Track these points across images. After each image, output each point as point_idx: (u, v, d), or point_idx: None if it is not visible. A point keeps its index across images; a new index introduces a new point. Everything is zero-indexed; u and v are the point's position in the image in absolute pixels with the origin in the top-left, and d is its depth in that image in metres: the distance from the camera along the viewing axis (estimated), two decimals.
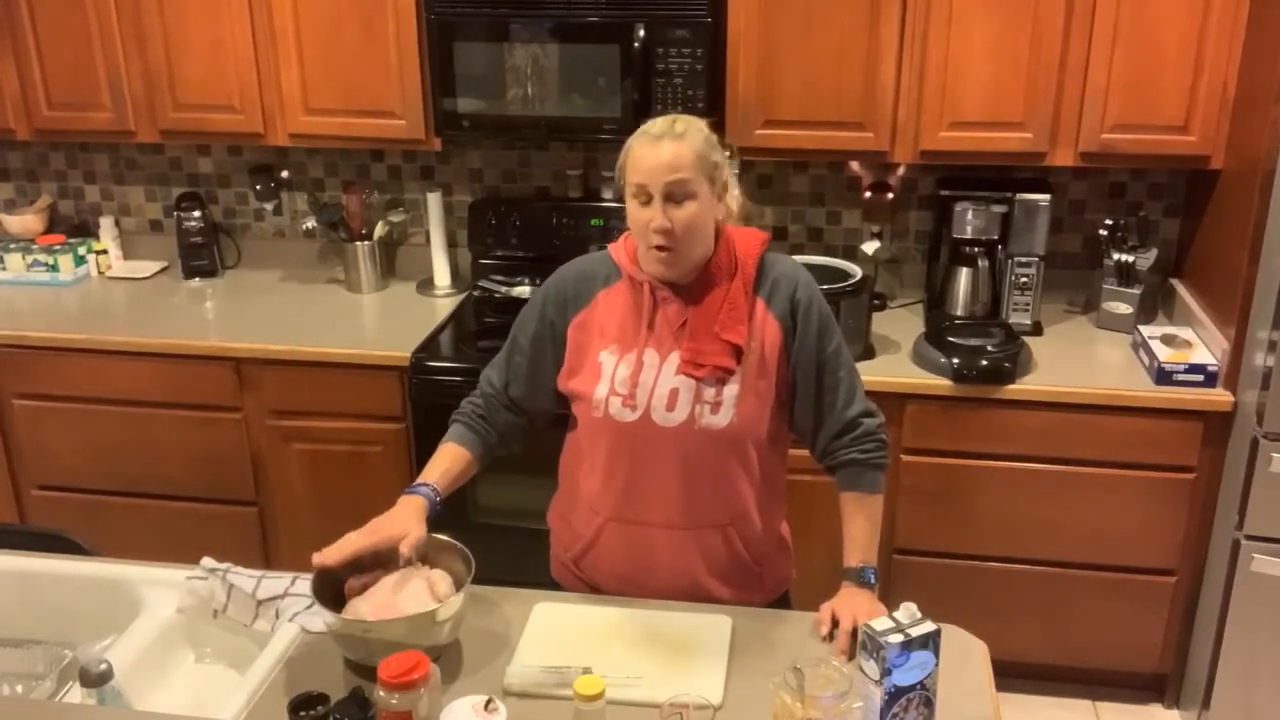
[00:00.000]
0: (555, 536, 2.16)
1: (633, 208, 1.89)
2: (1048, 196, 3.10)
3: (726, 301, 1.92)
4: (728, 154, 1.94)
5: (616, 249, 2.00)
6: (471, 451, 2.04)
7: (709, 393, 1.91)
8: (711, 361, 1.90)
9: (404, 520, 1.89)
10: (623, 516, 1.99)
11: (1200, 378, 2.81)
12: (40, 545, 2.20)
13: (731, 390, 1.91)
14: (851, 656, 1.78)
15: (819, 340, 1.96)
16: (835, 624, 1.89)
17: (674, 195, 1.84)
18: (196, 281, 3.67)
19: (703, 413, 1.91)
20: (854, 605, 1.89)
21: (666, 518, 1.97)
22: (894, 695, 1.59)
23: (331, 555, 1.83)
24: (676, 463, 1.94)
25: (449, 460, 2.02)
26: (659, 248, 1.87)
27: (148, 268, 3.75)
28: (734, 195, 1.95)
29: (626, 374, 1.93)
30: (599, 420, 1.95)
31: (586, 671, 1.72)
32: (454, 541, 1.94)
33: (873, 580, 1.95)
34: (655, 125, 1.88)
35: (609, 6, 2.94)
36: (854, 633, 1.81)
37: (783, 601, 2.12)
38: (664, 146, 1.84)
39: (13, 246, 3.66)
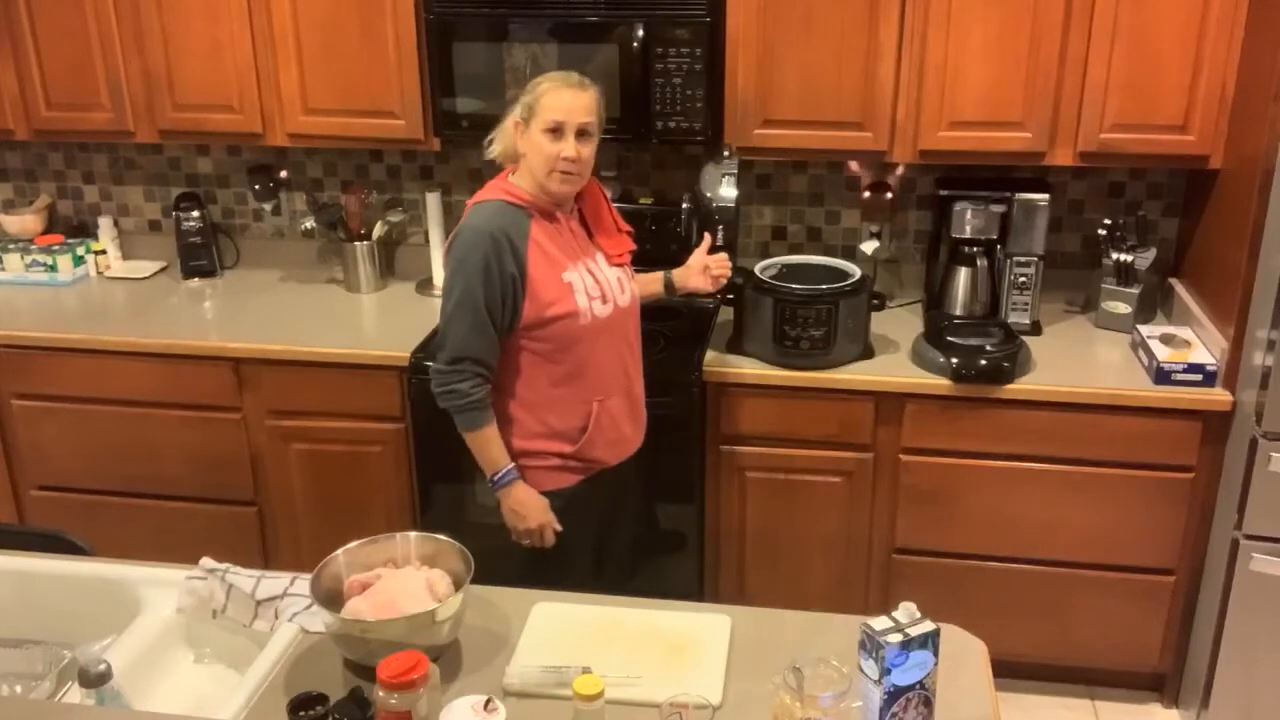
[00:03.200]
0: (532, 457, 2.43)
1: (543, 140, 2.28)
2: (1047, 196, 3.10)
3: (604, 208, 2.51)
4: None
5: (511, 194, 2.34)
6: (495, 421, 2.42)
7: (628, 273, 2.51)
8: (626, 248, 2.53)
9: (538, 501, 2.44)
10: (618, 391, 2.46)
11: (1199, 377, 2.81)
12: (39, 545, 2.20)
13: (629, 268, 2.53)
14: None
15: None
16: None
17: (584, 133, 2.30)
18: (195, 281, 3.67)
19: (630, 289, 2.49)
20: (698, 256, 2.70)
21: (637, 381, 2.53)
22: (893, 695, 1.59)
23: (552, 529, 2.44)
24: (635, 334, 2.52)
25: (499, 439, 2.40)
26: (565, 172, 2.29)
27: (146, 268, 3.75)
28: None
29: (589, 281, 2.38)
30: (585, 326, 2.36)
31: (586, 671, 1.72)
32: (453, 541, 1.94)
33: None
34: (569, 75, 2.33)
35: (608, 6, 2.94)
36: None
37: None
38: (581, 93, 2.30)
39: (11, 247, 3.66)
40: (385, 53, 3.13)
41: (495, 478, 2.39)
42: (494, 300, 2.29)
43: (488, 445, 2.37)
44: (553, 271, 2.34)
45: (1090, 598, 3.02)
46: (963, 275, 3.21)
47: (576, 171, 2.32)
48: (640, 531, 2.93)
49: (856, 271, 3.07)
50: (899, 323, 3.24)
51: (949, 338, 2.98)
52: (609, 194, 2.59)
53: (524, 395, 2.41)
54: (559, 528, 2.44)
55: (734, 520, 3.08)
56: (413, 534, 1.97)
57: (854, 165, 3.37)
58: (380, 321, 3.39)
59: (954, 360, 2.88)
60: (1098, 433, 2.86)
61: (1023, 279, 3.16)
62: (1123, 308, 3.16)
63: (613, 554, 2.67)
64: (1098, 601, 3.02)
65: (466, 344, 2.30)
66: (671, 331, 3.11)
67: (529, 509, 2.41)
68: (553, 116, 2.27)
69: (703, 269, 2.70)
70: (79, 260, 3.70)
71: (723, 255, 2.72)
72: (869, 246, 3.29)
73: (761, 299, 2.96)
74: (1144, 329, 3.02)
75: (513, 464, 2.39)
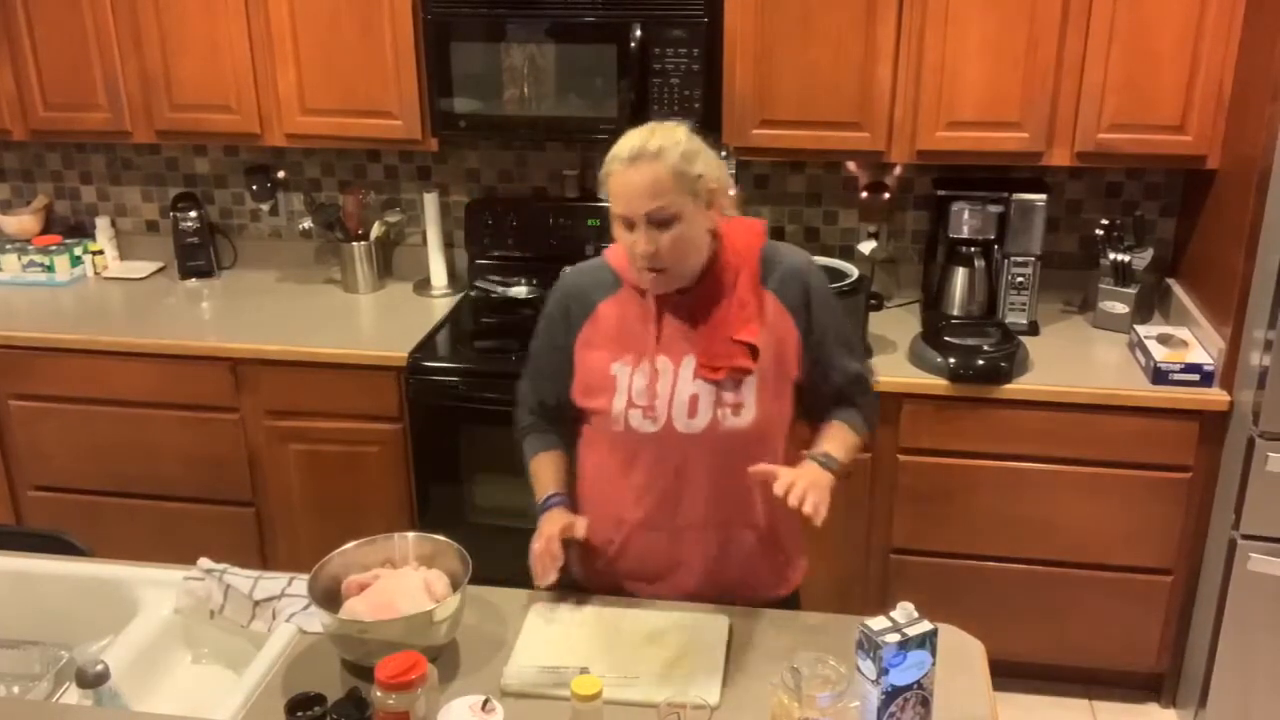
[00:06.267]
0: (577, 545, 2.06)
1: (618, 230, 1.86)
2: (1044, 196, 3.11)
3: (735, 300, 1.89)
4: (724, 153, 1.91)
5: (615, 255, 1.97)
6: (560, 451, 2.08)
7: (729, 395, 1.89)
8: (728, 364, 1.88)
9: (560, 517, 1.95)
10: (652, 524, 1.99)
11: (1196, 377, 2.81)
12: (37, 546, 2.20)
13: (750, 389, 1.89)
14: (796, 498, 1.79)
15: (832, 327, 1.98)
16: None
17: (656, 221, 1.80)
18: (193, 282, 3.66)
19: (725, 416, 1.89)
20: (806, 474, 1.84)
21: (698, 519, 1.97)
22: (891, 695, 1.59)
23: (555, 569, 1.89)
24: (704, 467, 1.93)
25: (552, 466, 2.06)
26: (649, 269, 1.84)
27: (144, 268, 3.75)
28: (725, 194, 1.91)
29: (643, 384, 1.90)
30: (620, 434, 1.93)
31: (584, 671, 1.72)
32: (451, 542, 1.94)
33: (833, 466, 1.92)
34: (630, 144, 1.82)
35: (606, 6, 2.94)
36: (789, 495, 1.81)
37: (793, 600, 2.12)
38: (640, 171, 1.79)
39: (9, 247, 3.66)
40: (383, 53, 3.13)
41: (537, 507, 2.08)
42: (547, 357, 2.04)
43: (533, 477, 2.08)
44: (601, 358, 1.95)
45: (1088, 598, 3.02)
46: (960, 275, 3.21)
47: (659, 267, 1.83)
48: None
49: (854, 271, 3.07)
50: (897, 323, 3.24)
51: (946, 338, 2.98)
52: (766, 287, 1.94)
53: (585, 475, 2.08)
54: (553, 576, 1.91)
55: None
56: (410, 534, 1.97)
57: (852, 165, 3.37)
58: (378, 322, 3.39)
59: (952, 360, 2.88)
60: (1095, 433, 2.86)
61: (1020, 279, 3.16)
62: (1120, 308, 3.16)
63: None
64: (1095, 602, 3.02)
65: (527, 379, 2.12)
66: None
67: (537, 539, 1.95)
68: (615, 209, 1.85)
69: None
70: (76, 261, 3.70)
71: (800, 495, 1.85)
72: (866, 247, 3.29)
73: None
74: (1141, 329, 3.02)
75: (552, 494, 2.02)
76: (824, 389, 2.00)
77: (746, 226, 1.97)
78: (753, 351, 1.89)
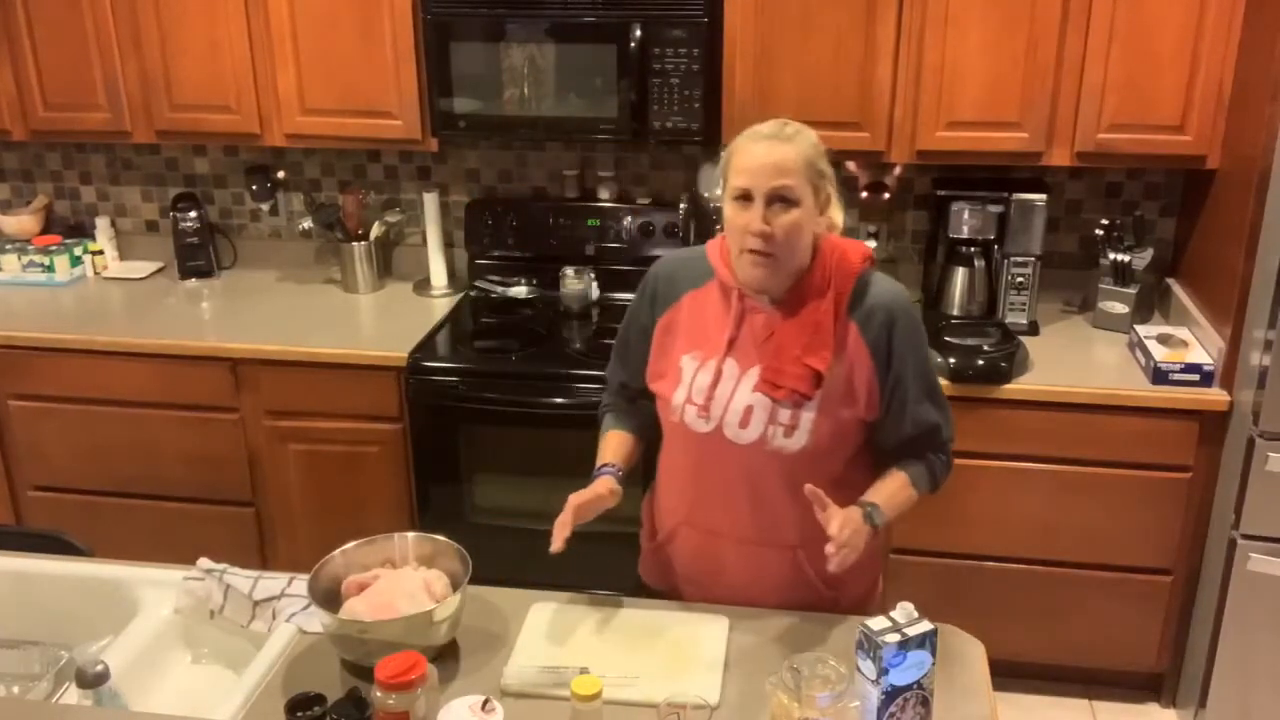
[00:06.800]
0: (644, 527, 2.17)
1: (731, 210, 1.82)
2: (1044, 196, 3.11)
3: (815, 322, 1.84)
4: (835, 168, 1.87)
5: (713, 248, 1.94)
6: (630, 432, 2.08)
7: (784, 415, 1.85)
8: (790, 384, 1.83)
9: (594, 487, 1.92)
10: (694, 522, 2.00)
11: (1196, 377, 2.81)
12: (36, 546, 2.20)
13: (808, 415, 1.85)
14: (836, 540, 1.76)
15: (914, 372, 1.90)
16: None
17: (777, 199, 1.77)
18: (193, 282, 3.66)
19: (775, 434, 1.86)
20: (849, 520, 1.79)
21: (735, 531, 1.96)
22: (891, 695, 1.59)
23: (560, 539, 1.85)
24: (743, 480, 1.91)
25: (615, 442, 2.06)
26: (755, 251, 1.80)
27: (144, 268, 3.75)
28: (837, 209, 1.88)
29: (705, 383, 1.89)
30: (675, 425, 1.94)
31: (584, 671, 1.72)
32: (451, 542, 1.94)
33: (876, 520, 1.86)
34: (765, 126, 1.81)
35: (605, 6, 2.94)
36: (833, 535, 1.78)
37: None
38: (772, 148, 1.77)
39: (9, 247, 3.65)
40: (383, 53, 3.13)
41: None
42: (636, 333, 2.02)
43: (601, 448, 2.06)
44: (675, 344, 1.94)
45: (1088, 598, 3.02)
46: (960, 275, 3.21)
47: (770, 252, 1.79)
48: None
49: None
50: None
51: (946, 338, 2.98)
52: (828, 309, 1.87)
53: (660, 458, 2.07)
54: (562, 542, 1.86)
55: None
56: (410, 534, 1.97)
57: (851, 165, 3.37)
58: (378, 322, 3.39)
59: (951, 360, 2.88)
60: (1095, 433, 2.86)
61: (1020, 279, 3.16)
62: (1120, 308, 3.16)
63: None
64: (1095, 602, 3.02)
65: (613, 360, 2.10)
66: None
67: (584, 492, 1.93)
68: (736, 181, 1.80)
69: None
70: (76, 261, 3.69)
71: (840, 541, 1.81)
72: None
73: None
74: (1141, 329, 3.02)
75: (605, 464, 2.00)
76: (896, 434, 1.94)
77: (851, 247, 1.90)
78: (817, 378, 1.84)
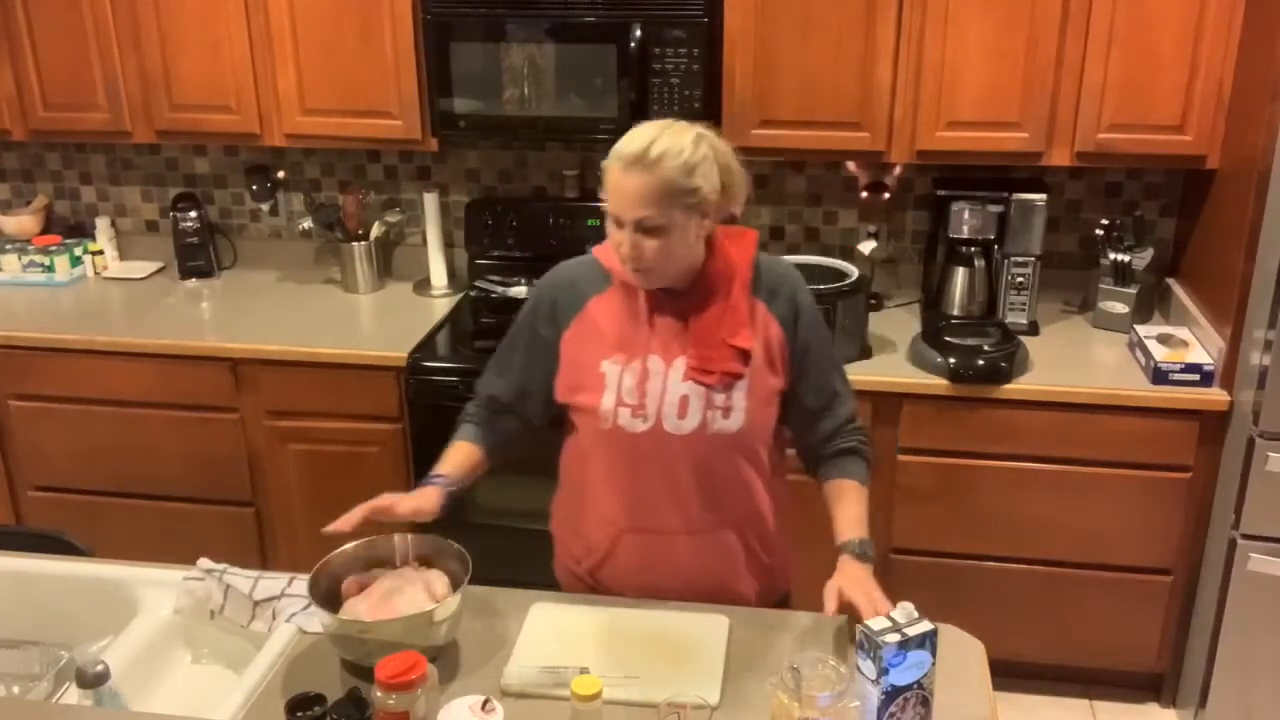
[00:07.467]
0: (562, 546, 2.13)
1: (609, 224, 1.86)
2: (1044, 196, 3.11)
3: (729, 305, 1.90)
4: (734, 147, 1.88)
5: (605, 253, 1.96)
6: (480, 447, 2.04)
7: (719, 398, 1.89)
8: (720, 368, 1.89)
9: (415, 497, 1.90)
10: (640, 526, 1.98)
11: (1196, 377, 2.81)
12: (37, 546, 2.20)
13: (740, 394, 1.90)
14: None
15: (818, 342, 1.99)
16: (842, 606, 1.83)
17: (643, 228, 1.80)
18: (193, 282, 3.66)
19: (715, 418, 1.90)
20: (860, 580, 1.83)
21: (685, 523, 1.96)
22: (891, 695, 1.59)
23: (344, 522, 1.82)
24: (690, 469, 1.93)
25: (459, 454, 2.03)
26: (635, 268, 1.85)
27: (144, 268, 3.75)
28: (733, 200, 1.89)
29: (633, 383, 1.90)
30: (608, 432, 1.92)
31: (584, 671, 1.72)
32: (451, 542, 1.94)
33: (871, 554, 1.91)
34: (632, 145, 1.80)
35: (605, 6, 2.94)
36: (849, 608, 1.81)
37: (784, 601, 2.12)
38: (634, 177, 1.78)
39: (9, 247, 3.66)
40: (383, 53, 3.13)
41: None
42: (522, 349, 2.03)
43: (444, 456, 2.03)
44: (590, 353, 1.94)
45: (1088, 598, 3.02)
46: (960, 275, 3.21)
47: (643, 269, 1.84)
48: None
49: (854, 271, 3.07)
50: (896, 323, 3.24)
51: (946, 338, 2.98)
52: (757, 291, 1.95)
53: (569, 472, 2.09)
54: (345, 526, 1.84)
55: None
56: (410, 534, 1.97)
57: (851, 165, 3.37)
58: (378, 322, 3.39)
59: (951, 360, 2.88)
60: (1095, 433, 2.86)
61: (1020, 279, 3.16)
62: (1120, 308, 3.16)
63: None
64: (1095, 602, 3.02)
65: (487, 371, 2.10)
66: None
67: (397, 496, 1.90)
68: (606, 202, 1.84)
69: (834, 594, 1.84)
70: (76, 261, 3.69)
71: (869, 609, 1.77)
72: (866, 247, 3.29)
73: None
74: (1141, 329, 3.02)
75: (439, 475, 1.97)
76: (810, 404, 2.01)
77: (739, 235, 1.97)
78: (744, 356, 1.90)
